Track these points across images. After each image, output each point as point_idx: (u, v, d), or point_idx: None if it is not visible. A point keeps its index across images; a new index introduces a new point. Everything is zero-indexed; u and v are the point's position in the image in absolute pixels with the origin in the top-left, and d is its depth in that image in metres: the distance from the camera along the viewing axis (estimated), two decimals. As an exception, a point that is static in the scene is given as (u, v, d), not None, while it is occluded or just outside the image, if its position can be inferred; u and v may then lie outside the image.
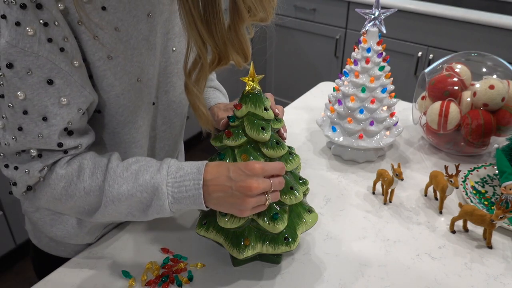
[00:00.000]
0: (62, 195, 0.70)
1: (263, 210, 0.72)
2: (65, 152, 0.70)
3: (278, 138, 0.76)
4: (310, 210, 0.81)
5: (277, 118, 0.78)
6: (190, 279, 0.80)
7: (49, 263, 0.91)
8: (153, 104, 0.81)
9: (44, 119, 0.64)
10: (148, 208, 0.70)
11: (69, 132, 0.69)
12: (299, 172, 0.85)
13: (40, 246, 0.92)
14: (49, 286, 0.80)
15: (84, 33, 0.64)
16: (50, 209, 0.78)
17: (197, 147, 2.88)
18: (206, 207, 0.71)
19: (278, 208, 0.75)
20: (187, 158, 1.11)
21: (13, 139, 0.66)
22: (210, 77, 1.00)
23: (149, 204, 0.70)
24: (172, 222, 0.93)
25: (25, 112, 0.63)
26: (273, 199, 0.71)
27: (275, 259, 0.82)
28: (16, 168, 0.68)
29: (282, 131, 0.80)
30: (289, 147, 0.82)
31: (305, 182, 0.82)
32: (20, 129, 0.64)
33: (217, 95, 0.95)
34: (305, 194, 0.83)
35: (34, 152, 0.67)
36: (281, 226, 0.74)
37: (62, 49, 0.62)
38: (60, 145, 0.67)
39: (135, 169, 0.70)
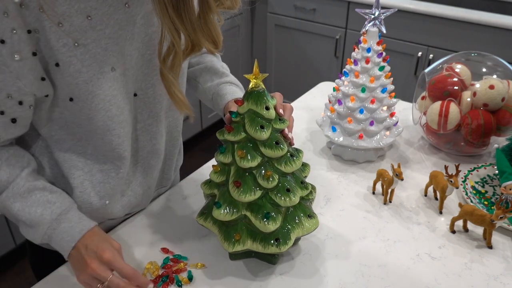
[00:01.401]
0: None
1: None
2: None
3: (280, 139, 0.76)
4: (310, 216, 0.81)
5: (281, 119, 0.78)
6: (190, 279, 0.80)
7: (43, 257, 0.92)
8: (135, 95, 0.81)
9: None
10: (22, 227, 0.78)
11: None
12: (305, 176, 0.85)
13: None
14: (49, 286, 0.80)
15: (47, 20, 0.64)
16: None
17: (197, 147, 2.88)
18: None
19: (272, 208, 0.76)
20: (187, 159, 1.11)
21: None
22: (225, 72, 1.01)
23: (26, 227, 0.77)
24: (172, 222, 0.93)
25: None
26: None
27: (271, 259, 0.82)
28: None
29: (286, 131, 0.79)
30: (297, 149, 0.82)
31: (306, 187, 0.80)
32: None
33: (233, 90, 0.96)
34: (307, 199, 0.82)
35: None
36: (271, 226, 0.74)
37: (2, 41, 0.63)
38: None
39: (36, 198, 0.76)
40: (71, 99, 0.73)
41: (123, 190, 0.88)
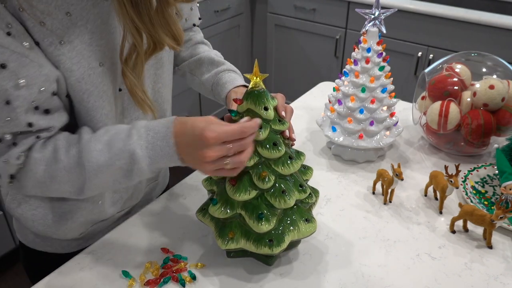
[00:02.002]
0: (45, 177, 0.71)
1: (229, 174, 0.72)
2: (38, 137, 0.71)
3: (278, 140, 0.75)
4: (308, 220, 0.80)
5: (281, 120, 0.78)
6: (194, 278, 0.80)
7: (37, 259, 0.92)
8: (120, 90, 0.81)
9: (8, 102, 0.64)
10: (130, 173, 0.71)
11: (39, 112, 0.69)
12: (307, 180, 0.85)
13: (27, 243, 0.93)
14: (49, 286, 0.80)
15: (29, 20, 0.64)
16: (38, 194, 0.79)
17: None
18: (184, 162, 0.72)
19: (267, 209, 0.76)
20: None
21: None
22: (221, 60, 1.00)
23: (130, 169, 0.71)
24: (172, 222, 0.93)
25: None
26: (235, 163, 0.70)
27: (267, 260, 0.82)
28: None
29: (286, 133, 0.79)
30: (298, 152, 0.82)
31: (305, 190, 0.79)
32: None
33: (233, 77, 0.95)
34: (306, 203, 0.82)
35: (8, 137, 0.68)
36: (264, 227, 0.74)
37: (9, 33, 0.62)
38: (30, 124, 0.68)
39: (107, 140, 0.71)
40: (67, 96, 0.73)
41: None
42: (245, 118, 0.73)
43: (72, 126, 0.78)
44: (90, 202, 0.84)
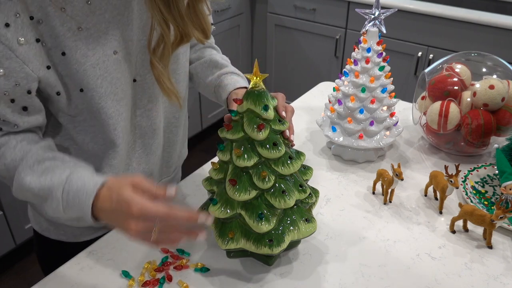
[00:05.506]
0: None
1: (156, 247, 0.72)
2: (0, 129, 0.73)
3: (278, 140, 0.76)
4: (308, 220, 0.80)
5: (281, 120, 0.78)
6: (205, 270, 0.81)
7: (50, 248, 0.93)
8: (134, 81, 0.82)
9: None
10: (42, 204, 0.72)
11: (14, 106, 0.71)
12: (307, 180, 0.85)
13: (41, 231, 0.94)
14: (49, 286, 0.80)
15: (50, 6, 0.67)
16: None
17: (197, 147, 2.88)
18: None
19: (267, 209, 0.76)
20: (187, 158, 1.11)
21: None
22: (225, 63, 1.01)
23: (43, 201, 0.72)
24: (172, 222, 0.93)
25: None
26: (162, 240, 0.68)
27: (267, 260, 0.82)
28: None
29: (286, 133, 0.79)
30: (298, 152, 0.82)
31: (305, 190, 0.79)
32: None
33: (235, 79, 0.97)
34: (306, 203, 0.82)
35: None
36: (264, 227, 0.74)
37: (7, 25, 0.64)
38: None
39: (45, 167, 0.71)
40: (81, 90, 0.74)
41: None
42: (187, 212, 0.68)
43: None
44: None
